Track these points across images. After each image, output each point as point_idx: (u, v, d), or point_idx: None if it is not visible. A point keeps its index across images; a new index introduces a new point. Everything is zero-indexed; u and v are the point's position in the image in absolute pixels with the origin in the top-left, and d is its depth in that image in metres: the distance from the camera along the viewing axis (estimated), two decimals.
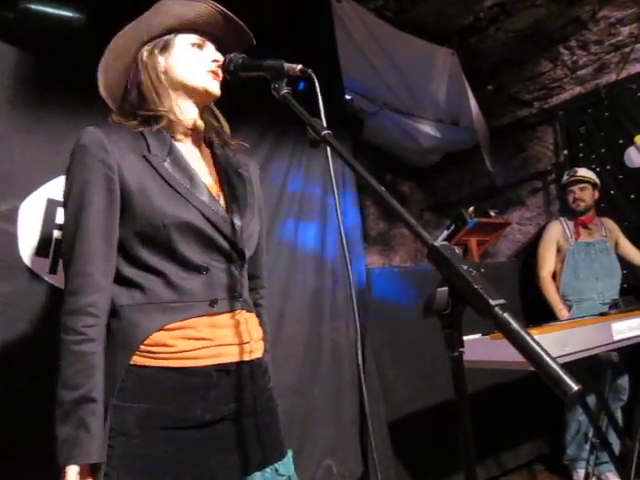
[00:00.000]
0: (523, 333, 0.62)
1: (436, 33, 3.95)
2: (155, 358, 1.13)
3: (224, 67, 1.23)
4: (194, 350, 1.16)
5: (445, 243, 0.73)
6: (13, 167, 1.85)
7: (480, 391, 2.98)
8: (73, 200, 1.15)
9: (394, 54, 3.81)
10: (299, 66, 1.08)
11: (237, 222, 1.24)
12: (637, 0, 3.69)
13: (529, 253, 4.02)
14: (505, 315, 0.64)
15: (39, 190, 1.90)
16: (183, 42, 1.28)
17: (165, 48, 1.27)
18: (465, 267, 0.68)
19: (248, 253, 1.28)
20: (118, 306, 1.16)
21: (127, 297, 1.16)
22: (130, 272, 1.17)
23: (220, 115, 1.40)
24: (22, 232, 1.85)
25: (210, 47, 1.30)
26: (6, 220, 1.82)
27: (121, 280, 1.18)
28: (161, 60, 1.27)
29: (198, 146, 1.33)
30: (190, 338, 1.16)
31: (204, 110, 1.35)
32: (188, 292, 1.16)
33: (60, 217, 1.94)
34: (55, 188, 1.93)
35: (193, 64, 1.26)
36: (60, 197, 1.97)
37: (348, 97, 3.81)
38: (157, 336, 1.14)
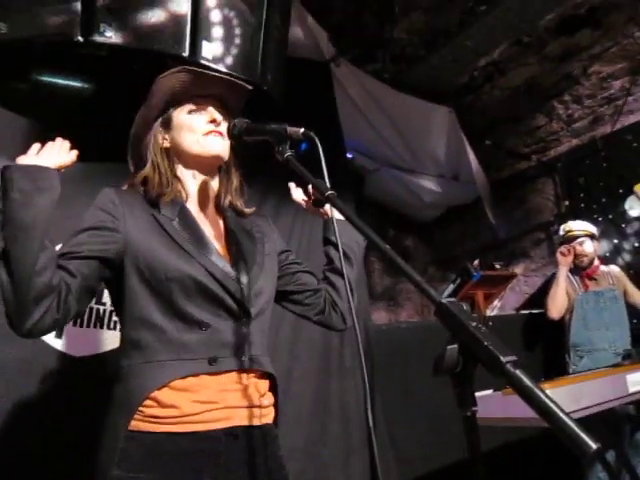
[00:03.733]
0: (537, 391, 0.60)
1: (433, 92, 4.07)
2: (161, 423, 1.11)
3: (229, 132, 1.26)
4: (201, 413, 1.13)
5: (453, 300, 0.73)
6: None
7: (494, 449, 2.89)
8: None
9: (393, 114, 3.91)
10: (301, 129, 1.11)
11: (243, 280, 1.24)
12: (625, 55, 3.82)
13: (536, 304, 3.99)
14: (517, 372, 0.63)
15: None
16: (181, 113, 1.32)
17: (166, 125, 1.33)
18: (474, 324, 0.68)
19: (255, 310, 1.25)
20: (118, 368, 1.19)
21: (126, 357, 1.18)
22: (130, 330, 1.19)
23: (235, 178, 1.40)
24: None
25: (208, 110, 1.32)
26: None
27: (123, 339, 1.22)
28: (167, 137, 1.33)
29: (207, 211, 1.35)
30: (194, 401, 1.13)
31: (219, 174, 1.39)
32: (186, 349, 1.15)
33: None
34: None
35: (190, 132, 1.30)
36: None
37: (349, 155, 3.88)
38: (160, 396, 1.12)
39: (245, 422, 1.19)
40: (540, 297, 4.02)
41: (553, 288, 3.45)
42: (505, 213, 4.80)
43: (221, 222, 1.37)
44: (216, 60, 1.80)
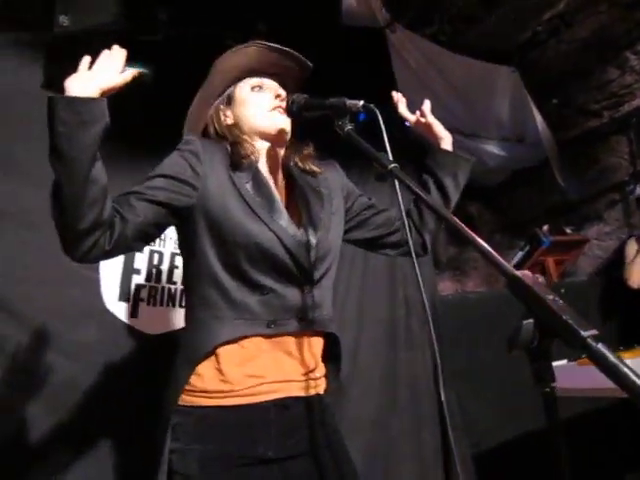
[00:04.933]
0: (622, 366, 0.57)
1: (494, 52, 3.88)
2: (211, 397, 1.15)
3: (288, 108, 1.26)
4: (250, 387, 1.17)
5: (526, 272, 0.70)
6: None
7: (571, 420, 2.81)
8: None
9: (453, 77, 3.78)
10: (361, 102, 1.09)
11: (312, 240, 1.24)
12: None
13: (612, 269, 3.81)
14: (599, 347, 0.60)
15: None
16: (244, 89, 1.34)
17: (229, 101, 1.35)
18: (550, 297, 0.65)
19: (320, 274, 1.26)
20: (186, 323, 1.26)
21: (193, 312, 1.23)
22: (196, 283, 1.23)
23: (299, 148, 1.40)
24: (104, 279, 1.95)
25: (272, 84, 1.34)
26: (90, 268, 1.91)
27: (191, 293, 1.25)
28: (229, 114, 1.34)
29: (275, 176, 1.35)
30: (246, 375, 1.17)
31: (285, 147, 1.39)
32: (248, 310, 1.18)
33: (138, 263, 2.03)
34: None
35: (256, 108, 1.32)
36: None
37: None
38: (211, 369, 1.16)
39: (295, 393, 1.22)
40: (615, 262, 3.84)
41: None
42: (576, 174, 4.56)
43: (284, 183, 1.37)
44: None
